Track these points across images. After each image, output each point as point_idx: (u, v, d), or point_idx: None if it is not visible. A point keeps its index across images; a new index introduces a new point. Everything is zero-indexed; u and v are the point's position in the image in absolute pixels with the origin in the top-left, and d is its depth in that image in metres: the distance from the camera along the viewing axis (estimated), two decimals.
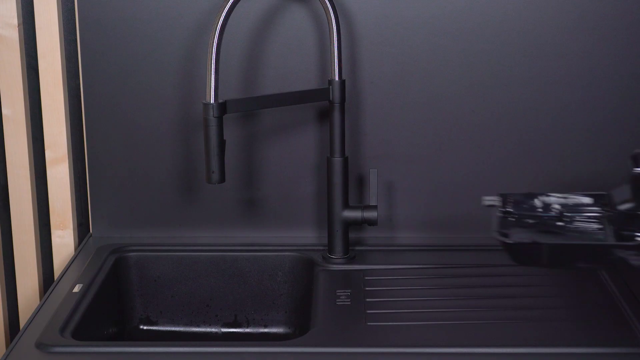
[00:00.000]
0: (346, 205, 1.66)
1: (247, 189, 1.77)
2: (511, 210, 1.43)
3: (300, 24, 1.70)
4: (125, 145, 1.76)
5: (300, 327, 1.65)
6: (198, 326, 1.73)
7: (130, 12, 1.71)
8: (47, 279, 1.84)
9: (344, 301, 1.51)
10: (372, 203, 1.65)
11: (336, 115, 1.65)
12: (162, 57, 1.72)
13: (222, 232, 1.78)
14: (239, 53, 1.71)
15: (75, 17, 1.75)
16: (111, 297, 1.67)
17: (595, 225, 1.40)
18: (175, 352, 1.37)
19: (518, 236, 1.37)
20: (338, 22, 1.62)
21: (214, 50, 1.52)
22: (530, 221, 1.42)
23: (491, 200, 1.43)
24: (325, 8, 1.61)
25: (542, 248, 1.30)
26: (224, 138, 1.55)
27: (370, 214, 1.64)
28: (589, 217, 1.41)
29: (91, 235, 1.80)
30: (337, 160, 1.66)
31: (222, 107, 1.54)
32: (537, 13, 1.68)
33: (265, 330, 1.73)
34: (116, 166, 1.77)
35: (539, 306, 1.48)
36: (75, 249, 1.80)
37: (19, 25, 1.71)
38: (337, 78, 1.64)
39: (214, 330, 1.73)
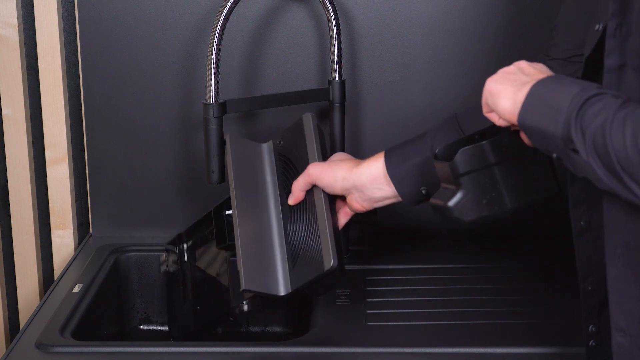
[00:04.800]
0: None
1: None
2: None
3: (300, 24, 1.70)
4: (125, 145, 1.76)
5: (300, 327, 1.65)
6: None
7: (130, 12, 1.71)
8: (47, 279, 1.84)
9: (344, 301, 1.51)
10: None
11: (336, 115, 1.65)
12: (162, 57, 1.72)
13: None
14: (239, 53, 1.71)
15: (75, 17, 1.75)
16: (111, 297, 1.67)
17: None
18: (175, 352, 1.37)
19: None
20: (338, 22, 1.62)
21: (214, 50, 1.52)
22: None
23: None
24: (325, 8, 1.61)
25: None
26: (224, 138, 1.55)
27: (370, 214, 1.64)
28: None
29: (91, 235, 1.80)
30: None
31: (222, 107, 1.54)
32: (537, 13, 1.68)
33: (265, 330, 1.73)
34: (116, 166, 1.77)
35: (539, 307, 1.48)
36: (75, 249, 1.80)
37: (19, 25, 1.71)
38: (337, 78, 1.64)
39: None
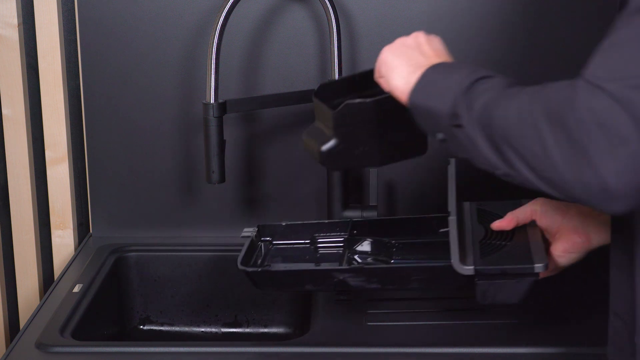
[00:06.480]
0: (346, 206, 1.66)
1: (247, 189, 1.77)
2: (268, 239, 1.51)
3: (300, 24, 1.70)
4: (125, 145, 1.76)
5: (300, 327, 1.65)
6: (198, 326, 1.73)
7: (130, 12, 1.71)
8: (47, 279, 1.84)
9: (344, 301, 1.51)
10: (372, 203, 1.65)
11: None
12: (162, 57, 1.72)
13: (222, 232, 1.78)
14: (239, 53, 1.71)
15: (75, 17, 1.75)
16: (111, 297, 1.67)
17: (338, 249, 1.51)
18: (175, 352, 1.37)
19: (275, 265, 1.46)
20: (338, 22, 1.62)
21: (214, 50, 1.52)
22: (285, 248, 1.51)
23: (248, 231, 1.51)
24: (325, 8, 1.61)
25: (275, 275, 1.38)
26: (224, 138, 1.55)
27: (370, 214, 1.64)
28: (336, 241, 1.50)
29: (91, 235, 1.80)
30: None
31: (222, 107, 1.54)
32: (538, 13, 1.68)
33: (265, 330, 1.73)
34: (116, 166, 1.77)
35: (539, 307, 1.48)
36: (75, 249, 1.80)
37: (19, 25, 1.71)
38: (337, 78, 1.64)
39: (214, 330, 1.73)
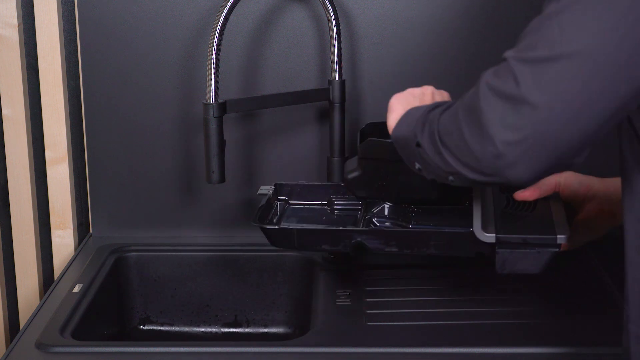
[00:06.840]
0: None
1: (247, 189, 1.77)
2: (285, 198, 1.56)
3: (300, 24, 1.70)
4: (125, 145, 1.76)
5: (300, 327, 1.65)
6: (198, 326, 1.73)
7: (130, 12, 1.71)
8: (47, 279, 1.84)
9: (344, 301, 1.51)
10: None
11: (336, 115, 1.65)
12: (162, 57, 1.72)
13: (222, 232, 1.78)
14: (239, 53, 1.71)
15: (75, 17, 1.75)
16: (111, 297, 1.67)
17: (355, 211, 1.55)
18: (175, 352, 1.37)
19: (287, 222, 1.51)
20: (338, 22, 1.62)
21: (214, 50, 1.52)
22: (302, 208, 1.56)
23: (265, 189, 1.55)
24: (325, 8, 1.61)
25: (292, 232, 1.40)
26: (224, 138, 1.55)
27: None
28: (353, 203, 1.55)
29: (91, 235, 1.80)
30: (337, 160, 1.66)
31: (222, 107, 1.54)
32: (538, 12, 1.68)
33: (265, 330, 1.73)
34: (116, 166, 1.77)
35: (539, 307, 1.48)
36: (75, 249, 1.80)
37: (19, 25, 1.71)
38: (337, 78, 1.64)
39: (214, 330, 1.73)
